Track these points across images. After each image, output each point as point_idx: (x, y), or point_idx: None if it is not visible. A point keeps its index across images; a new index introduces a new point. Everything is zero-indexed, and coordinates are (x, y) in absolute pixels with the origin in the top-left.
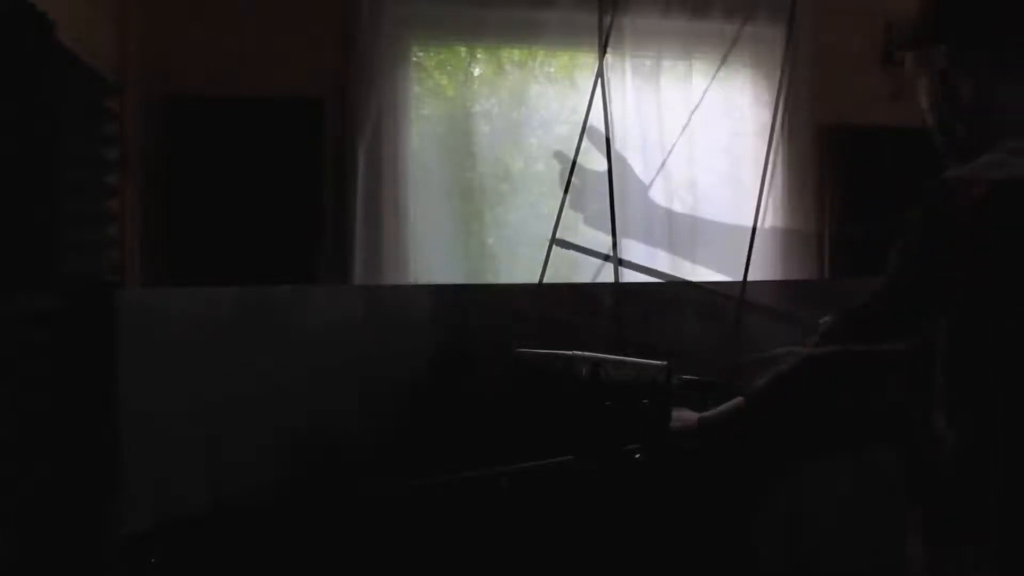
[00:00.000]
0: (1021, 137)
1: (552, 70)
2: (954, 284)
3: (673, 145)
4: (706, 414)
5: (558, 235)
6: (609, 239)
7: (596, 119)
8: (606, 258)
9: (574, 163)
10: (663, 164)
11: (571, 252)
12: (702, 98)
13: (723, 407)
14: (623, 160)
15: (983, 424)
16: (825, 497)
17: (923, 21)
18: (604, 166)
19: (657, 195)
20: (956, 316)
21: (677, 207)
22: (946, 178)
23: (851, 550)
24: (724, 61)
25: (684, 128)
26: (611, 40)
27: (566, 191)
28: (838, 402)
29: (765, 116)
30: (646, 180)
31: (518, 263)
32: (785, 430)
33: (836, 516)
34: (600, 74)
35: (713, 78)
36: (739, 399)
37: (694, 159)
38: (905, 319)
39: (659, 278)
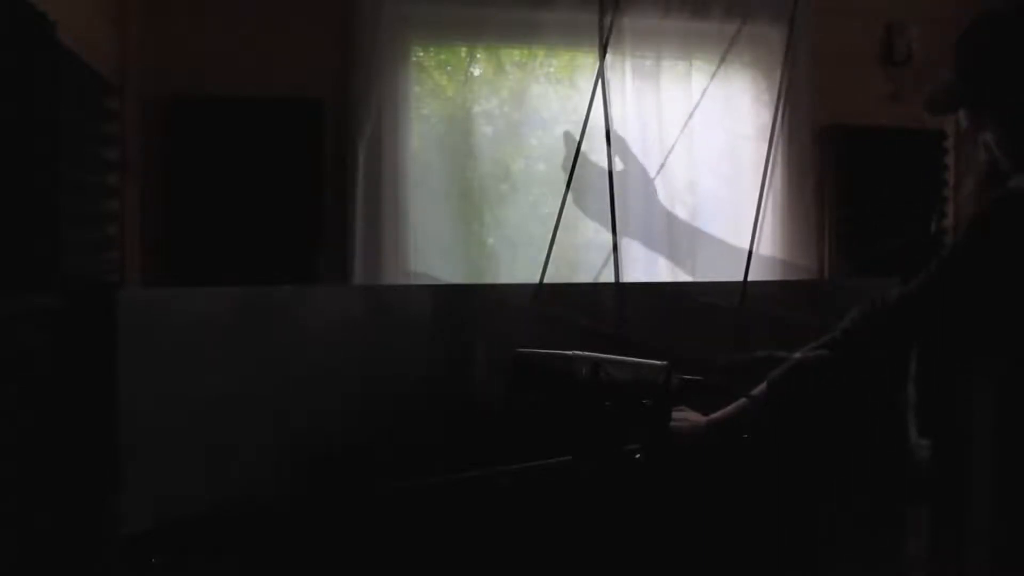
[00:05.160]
0: None
1: (552, 70)
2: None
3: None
4: (714, 415)
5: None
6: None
7: (597, 119)
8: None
9: (575, 163)
10: (663, 164)
11: (571, 252)
12: (700, 99)
13: (731, 408)
14: (626, 160)
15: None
16: (825, 498)
17: (983, 82)
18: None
19: (658, 196)
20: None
21: (678, 208)
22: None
23: (851, 550)
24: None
25: (684, 127)
26: (611, 40)
27: (567, 190)
28: (841, 401)
29: (765, 116)
30: (646, 180)
31: (518, 263)
32: (792, 428)
33: (836, 516)
34: (600, 74)
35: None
36: (745, 400)
37: (694, 159)
38: (936, 323)
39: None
